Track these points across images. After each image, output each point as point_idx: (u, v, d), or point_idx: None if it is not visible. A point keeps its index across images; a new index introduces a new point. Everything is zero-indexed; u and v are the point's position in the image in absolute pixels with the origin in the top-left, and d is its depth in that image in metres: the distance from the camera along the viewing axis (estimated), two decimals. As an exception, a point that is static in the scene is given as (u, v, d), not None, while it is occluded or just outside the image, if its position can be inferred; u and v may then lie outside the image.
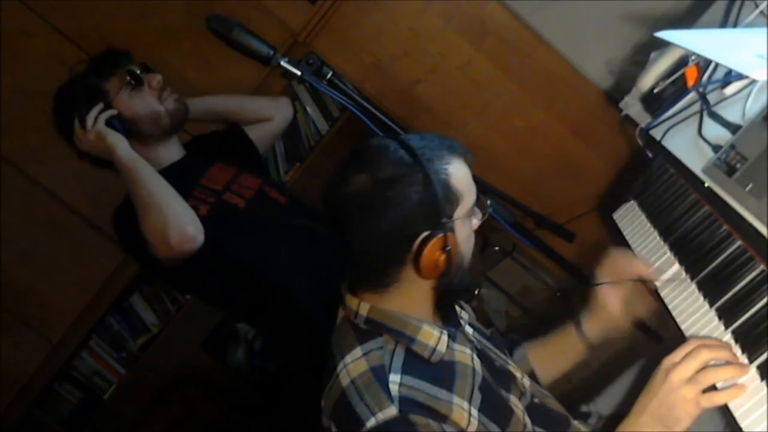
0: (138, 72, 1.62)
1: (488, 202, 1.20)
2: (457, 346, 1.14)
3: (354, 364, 1.07)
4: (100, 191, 2.00)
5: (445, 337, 1.10)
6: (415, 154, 1.06)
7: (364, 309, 1.11)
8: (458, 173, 1.09)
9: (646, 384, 1.06)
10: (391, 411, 1.00)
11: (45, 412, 2.46)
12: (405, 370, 1.05)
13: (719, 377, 1.02)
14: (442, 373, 1.08)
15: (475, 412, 1.06)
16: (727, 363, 1.04)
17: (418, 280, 1.09)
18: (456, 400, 1.05)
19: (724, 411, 1.06)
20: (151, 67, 1.67)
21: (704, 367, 1.02)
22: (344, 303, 1.16)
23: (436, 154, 1.08)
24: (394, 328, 1.09)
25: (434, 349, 1.08)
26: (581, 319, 1.34)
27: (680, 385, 1.00)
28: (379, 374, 1.04)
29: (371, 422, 1.00)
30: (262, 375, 2.63)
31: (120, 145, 1.56)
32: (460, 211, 1.09)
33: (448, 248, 1.06)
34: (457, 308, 1.26)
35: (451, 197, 1.07)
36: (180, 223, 1.47)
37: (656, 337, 1.53)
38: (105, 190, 1.72)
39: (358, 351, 1.08)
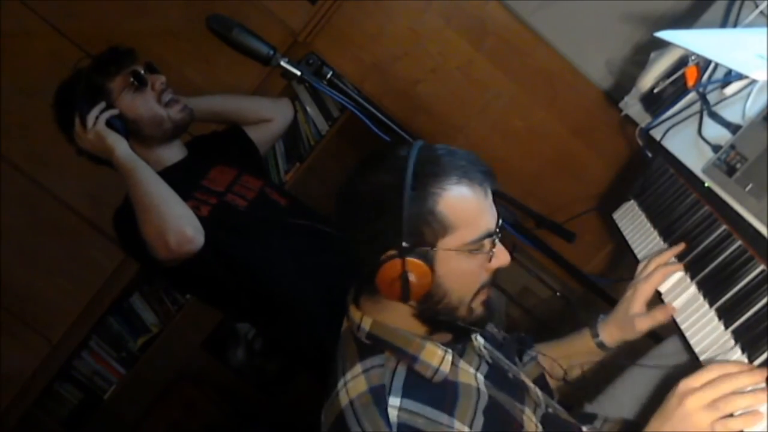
0: (142, 73, 1.62)
1: (494, 246, 1.04)
2: (462, 364, 1.09)
3: (353, 382, 1.03)
4: (101, 191, 2.00)
5: (449, 357, 1.06)
6: (404, 167, 0.98)
7: (366, 323, 1.06)
8: (456, 201, 0.99)
9: (659, 405, 0.99)
10: None
11: (45, 412, 2.47)
12: (405, 393, 1.00)
13: (739, 405, 0.93)
14: (443, 394, 1.03)
15: None
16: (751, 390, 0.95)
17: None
18: (457, 425, 1.00)
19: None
20: (156, 68, 1.66)
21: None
22: (348, 314, 1.11)
23: (438, 172, 0.99)
24: (396, 345, 1.05)
25: (437, 370, 1.04)
26: (599, 323, 1.31)
27: (695, 412, 0.93)
28: (378, 397, 0.99)
29: None
30: (262, 375, 2.63)
31: (119, 146, 1.56)
32: (449, 242, 1.00)
33: (405, 274, 0.99)
34: None
35: (433, 224, 0.99)
36: (179, 224, 1.46)
37: (654, 336, 1.53)
38: (105, 190, 1.72)
39: (358, 368, 1.04)
